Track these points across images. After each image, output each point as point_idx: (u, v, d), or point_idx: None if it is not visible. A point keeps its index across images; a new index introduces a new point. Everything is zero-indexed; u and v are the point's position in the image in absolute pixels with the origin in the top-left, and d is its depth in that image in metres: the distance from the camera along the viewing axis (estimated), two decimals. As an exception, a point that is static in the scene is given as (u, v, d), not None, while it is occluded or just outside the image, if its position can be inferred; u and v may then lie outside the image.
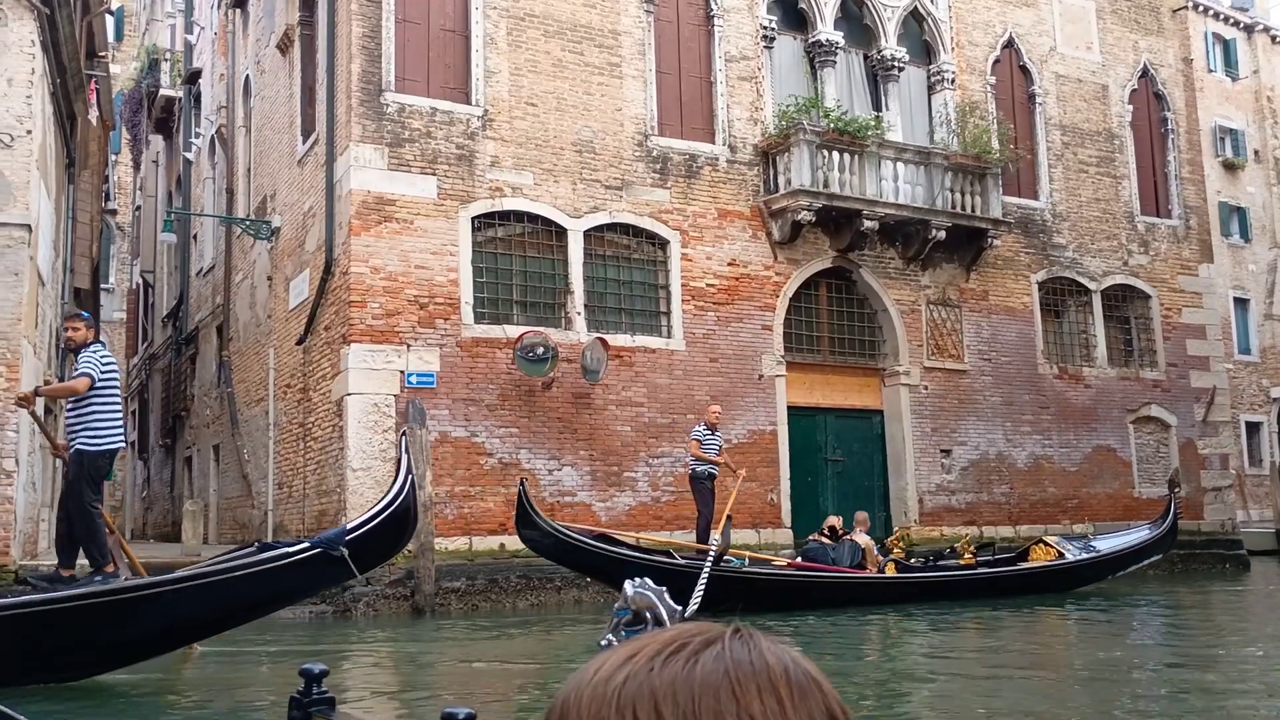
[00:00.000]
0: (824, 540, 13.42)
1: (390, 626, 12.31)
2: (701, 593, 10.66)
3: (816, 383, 16.97)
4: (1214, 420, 20.84)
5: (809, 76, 17.47)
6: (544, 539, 11.66)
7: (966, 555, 14.09)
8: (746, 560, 12.12)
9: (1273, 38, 35.28)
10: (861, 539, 13.44)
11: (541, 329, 14.46)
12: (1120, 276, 20.01)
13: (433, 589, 13.25)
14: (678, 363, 15.54)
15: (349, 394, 13.56)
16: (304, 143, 16.04)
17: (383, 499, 7.57)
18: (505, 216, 14.79)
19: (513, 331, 14.37)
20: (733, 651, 0.83)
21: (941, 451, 17.58)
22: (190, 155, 23.11)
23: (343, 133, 14.25)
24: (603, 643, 1.12)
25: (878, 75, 18.14)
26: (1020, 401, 18.50)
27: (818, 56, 17.46)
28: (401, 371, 13.76)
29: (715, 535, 11.62)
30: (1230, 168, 32.79)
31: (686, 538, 15.10)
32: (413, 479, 7.50)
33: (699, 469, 13.13)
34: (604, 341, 14.71)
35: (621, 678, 0.82)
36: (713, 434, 13.20)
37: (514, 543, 14.09)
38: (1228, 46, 34.09)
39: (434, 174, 14.29)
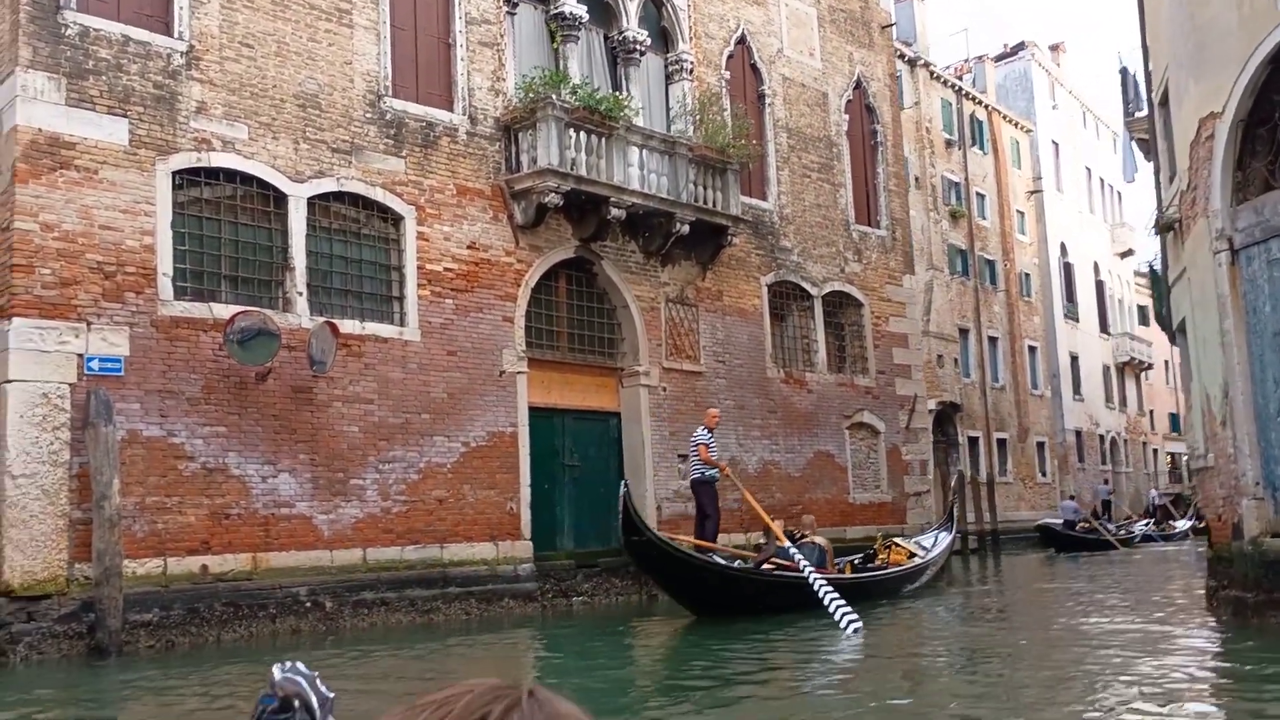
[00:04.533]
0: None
1: (62, 675, 9.75)
2: (841, 601, 10.52)
3: (554, 381, 15.63)
4: (915, 427, 21.46)
5: (552, 51, 16.17)
6: (647, 549, 11.67)
7: (882, 555, 15.36)
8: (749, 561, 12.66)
9: (932, 73, 37.89)
10: (821, 540, 13.53)
11: (259, 309, 12.20)
12: (838, 283, 20.12)
13: (119, 624, 10.72)
14: (412, 354, 13.69)
15: (8, 381, 10.72)
16: (-58, 69, 12.86)
17: None
18: (214, 175, 12.38)
19: (221, 311, 12.02)
20: (532, 715, 0.82)
21: (679, 456, 16.74)
22: None
23: (4, 55, 11.37)
24: None
25: (618, 57, 17.12)
26: (751, 405, 18.05)
27: (560, 30, 16.20)
28: (80, 355, 11.06)
29: (789, 545, 12.36)
30: (897, 191, 34.71)
31: (420, 553, 13.36)
32: None
33: (708, 473, 13.58)
34: (334, 327, 12.62)
35: None
36: (711, 436, 13.69)
37: (217, 564, 11.81)
38: (896, 77, 36.20)
39: (125, 115, 11.69)
